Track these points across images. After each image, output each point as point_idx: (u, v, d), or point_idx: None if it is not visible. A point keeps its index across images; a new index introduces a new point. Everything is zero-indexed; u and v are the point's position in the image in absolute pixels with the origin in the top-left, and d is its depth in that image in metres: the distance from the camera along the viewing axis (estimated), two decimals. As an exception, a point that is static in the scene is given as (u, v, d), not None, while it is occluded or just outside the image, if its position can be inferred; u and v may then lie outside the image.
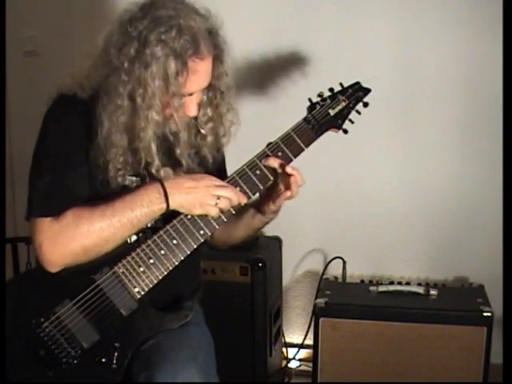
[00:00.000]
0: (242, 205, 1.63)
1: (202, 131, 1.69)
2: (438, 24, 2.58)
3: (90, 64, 1.62)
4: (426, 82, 2.63)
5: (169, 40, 1.50)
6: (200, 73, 1.56)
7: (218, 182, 1.60)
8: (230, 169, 1.81)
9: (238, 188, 1.62)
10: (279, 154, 1.65)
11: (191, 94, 1.59)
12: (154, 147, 1.58)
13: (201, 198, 1.56)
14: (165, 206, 1.55)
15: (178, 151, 1.65)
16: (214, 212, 1.58)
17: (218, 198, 1.57)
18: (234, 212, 1.62)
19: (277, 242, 2.74)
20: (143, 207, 1.55)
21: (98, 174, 1.60)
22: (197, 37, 1.53)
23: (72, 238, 1.53)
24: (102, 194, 1.61)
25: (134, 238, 1.65)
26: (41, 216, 1.56)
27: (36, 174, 1.60)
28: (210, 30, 1.57)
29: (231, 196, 1.59)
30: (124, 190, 1.60)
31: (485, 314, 2.29)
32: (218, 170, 1.77)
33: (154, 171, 1.60)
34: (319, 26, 2.66)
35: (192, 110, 1.61)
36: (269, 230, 2.74)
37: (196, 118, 1.67)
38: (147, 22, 1.52)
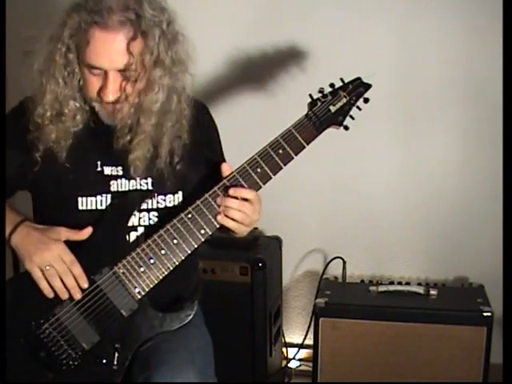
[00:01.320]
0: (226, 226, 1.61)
1: (142, 120, 1.59)
2: (439, 22, 2.58)
3: None
4: (427, 81, 2.63)
5: (80, 7, 1.51)
6: (103, 45, 1.49)
7: (64, 254, 1.55)
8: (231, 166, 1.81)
9: (238, 185, 1.61)
10: (280, 151, 1.63)
11: (98, 69, 1.52)
12: (70, 123, 1.59)
13: (32, 256, 1.54)
14: (6, 238, 1.58)
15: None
16: (35, 274, 1.54)
17: (49, 266, 1.53)
18: None
19: (277, 241, 2.74)
20: (7, 220, 1.59)
21: (77, 163, 1.61)
22: (109, 6, 1.48)
23: None
24: (85, 183, 1.63)
25: (134, 237, 1.66)
26: None
27: None
28: (128, 5, 1.49)
29: (61, 273, 1.54)
30: (108, 181, 1.63)
31: (485, 314, 2.29)
32: (209, 150, 1.76)
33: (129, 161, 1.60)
34: (319, 21, 2.65)
35: (106, 93, 1.53)
36: (269, 230, 2.74)
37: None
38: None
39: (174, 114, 1.62)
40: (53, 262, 1.53)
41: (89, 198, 1.64)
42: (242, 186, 1.62)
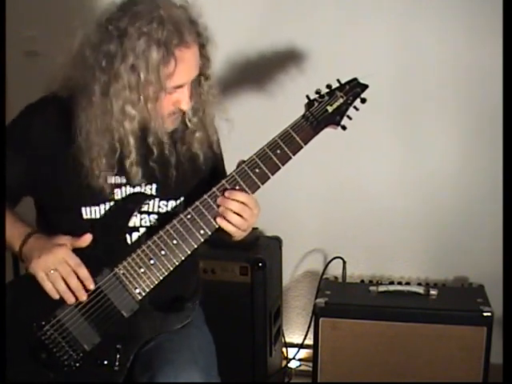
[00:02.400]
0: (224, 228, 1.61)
1: (190, 125, 1.67)
2: (439, 22, 2.58)
3: (64, 67, 1.63)
4: (427, 80, 2.63)
5: (151, 31, 1.48)
6: (187, 62, 1.54)
7: (68, 257, 1.54)
8: (228, 167, 1.81)
9: (237, 186, 1.61)
10: (278, 151, 1.64)
11: (181, 87, 1.57)
12: (132, 140, 1.56)
13: (37, 261, 1.52)
14: (17, 251, 1.56)
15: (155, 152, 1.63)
16: (40, 277, 1.52)
17: (54, 270, 1.52)
18: None
19: (277, 242, 2.74)
20: (8, 235, 1.58)
21: (81, 175, 1.59)
22: (179, 26, 1.51)
23: None
24: (84, 191, 1.61)
25: (134, 238, 1.66)
26: None
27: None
28: (191, 19, 1.56)
29: (64, 275, 1.53)
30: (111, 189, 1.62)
31: (485, 314, 2.29)
32: (213, 169, 1.77)
33: (127, 165, 1.58)
34: (317, 22, 2.65)
35: (185, 103, 1.58)
36: (269, 230, 2.74)
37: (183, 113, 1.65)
38: (127, 18, 1.50)
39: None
40: (57, 266, 1.52)
41: (93, 208, 1.64)
42: (241, 187, 1.62)
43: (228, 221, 1.60)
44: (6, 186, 1.61)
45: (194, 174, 1.73)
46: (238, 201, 1.60)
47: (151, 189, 1.68)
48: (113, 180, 1.64)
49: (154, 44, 1.48)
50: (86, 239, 1.57)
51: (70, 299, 1.54)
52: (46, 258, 1.52)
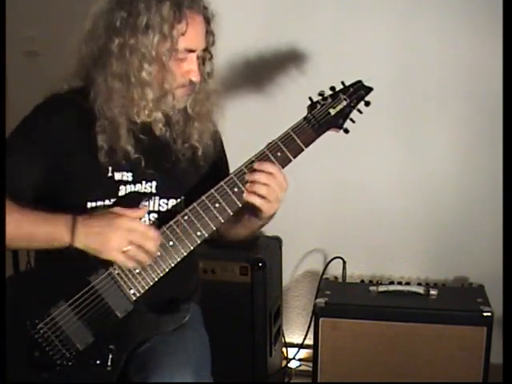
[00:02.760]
0: (253, 202, 1.60)
1: (191, 112, 1.67)
2: (439, 22, 2.58)
3: (78, 51, 1.63)
4: (427, 81, 2.63)
5: None
6: (197, 26, 1.57)
7: (134, 223, 1.54)
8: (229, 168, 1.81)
9: (235, 188, 1.60)
10: (278, 153, 1.63)
11: (192, 52, 1.58)
12: (150, 93, 1.56)
13: (107, 242, 1.51)
14: (67, 242, 1.52)
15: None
16: (119, 259, 1.52)
17: (131, 244, 1.52)
18: (231, 213, 1.61)
19: (277, 242, 2.74)
20: (46, 228, 1.53)
21: (93, 167, 1.60)
22: None
23: None
24: (94, 190, 1.61)
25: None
26: None
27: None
28: None
29: (146, 245, 1.52)
30: (117, 186, 1.61)
31: (485, 314, 2.29)
32: (214, 167, 1.77)
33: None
34: (318, 23, 2.65)
35: (194, 74, 1.59)
36: (269, 230, 2.74)
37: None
38: None
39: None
40: (130, 238, 1.51)
41: (98, 202, 1.63)
42: (240, 189, 1.61)
43: (255, 192, 1.59)
44: (18, 189, 1.58)
45: (195, 171, 1.73)
46: (265, 172, 1.59)
47: (151, 186, 1.68)
48: (119, 176, 1.64)
49: (166, 2, 1.52)
50: (144, 211, 1.59)
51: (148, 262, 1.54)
52: (114, 237, 1.50)
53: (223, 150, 1.85)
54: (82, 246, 1.52)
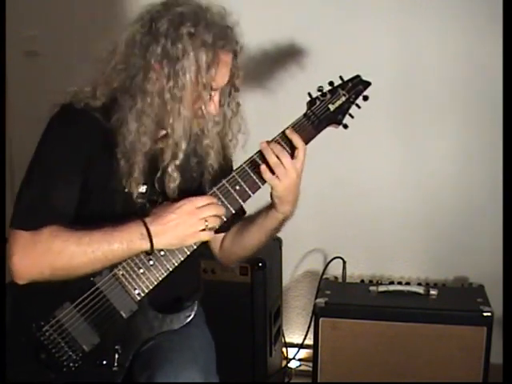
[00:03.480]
0: (262, 175, 1.59)
1: (206, 134, 1.65)
2: (439, 22, 2.58)
3: (105, 70, 1.59)
4: (427, 80, 2.63)
5: (199, 33, 1.50)
6: (227, 66, 1.57)
7: (199, 201, 1.56)
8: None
9: (237, 186, 1.60)
10: None
11: (215, 89, 1.57)
12: (184, 144, 1.56)
13: (188, 228, 1.53)
14: (148, 246, 1.52)
15: (204, 151, 1.64)
16: (206, 237, 1.56)
17: (206, 220, 1.54)
18: (234, 211, 1.61)
19: (277, 242, 2.74)
20: (122, 244, 1.52)
21: (117, 182, 1.58)
22: (224, 30, 1.54)
23: (41, 255, 1.52)
24: (109, 203, 1.60)
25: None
26: (19, 228, 1.54)
27: (26, 184, 1.59)
28: (230, 25, 1.59)
29: (217, 212, 1.56)
30: (132, 201, 1.59)
31: (485, 314, 2.29)
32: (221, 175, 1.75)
33: (171, 168, 1.57)
34: (318, 20, 2.65)
35: (213, 108, 1.59)
36: (269, 230, 2.74)
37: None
38: (172, 17, 1.51)
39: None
40: (201, 215, 1.53)
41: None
42: (242, 187, 1.61)
43: (267, 163, 1.58)
44: (64, 215, 1.56)
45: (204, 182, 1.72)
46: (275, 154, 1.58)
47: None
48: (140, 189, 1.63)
49: (202, 45, 1.50)
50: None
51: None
52: (189, 223, 1.53)
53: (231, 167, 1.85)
54: (163, 246, 1.54)
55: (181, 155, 1.57)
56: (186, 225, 1.53)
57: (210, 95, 1.56)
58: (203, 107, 1.56)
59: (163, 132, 1.61)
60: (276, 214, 1.69)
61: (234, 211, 1.62)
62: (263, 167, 1.59)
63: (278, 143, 1.61)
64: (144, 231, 1.52)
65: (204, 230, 1.55)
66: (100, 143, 1.58)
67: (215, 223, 1.57)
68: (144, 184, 1.62)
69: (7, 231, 1.59)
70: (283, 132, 1.62)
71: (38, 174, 1.58)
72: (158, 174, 1.61)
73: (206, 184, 1.69)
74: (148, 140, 1.56)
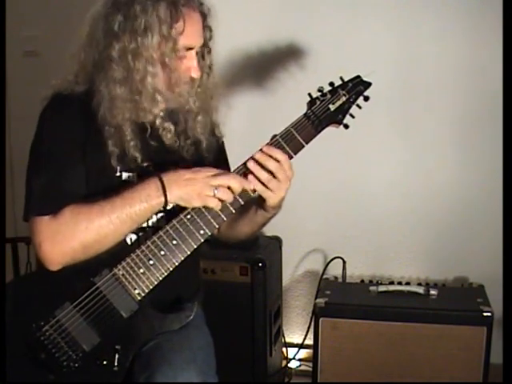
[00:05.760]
0: (252, 193, 1.59)
1: (192, 106, 1.67)
2: (439, 21, 2.58)
3: (79, 55, 1.63)
4: (427, 80, 2.64)
5: None
6: (195, 23, 1.58)
7: (217, 171, 1.58)
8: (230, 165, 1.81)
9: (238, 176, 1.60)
10: None
11: (190, 49, 1.59)
12: (160, 98, 1.58)
13: (198, 189, 1.54)
14: (163, 199, 1.54)
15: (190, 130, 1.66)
16: (213, 203, 1.55)
17: (217, 189, 1.55)
18: (233, 211, 1.61)
19: (277, 242, 2.74)
20: (142, 202, 1.53)
21: (102, 166, 1.60)
22: None
23: (71, 236, 1.53)
24: (102, 188, 1.60)
25: (134, 238, 1.66)
26: (38, 215, 1.55)
27: (32, 173, 1.61)
28: None
29: (231, 183, 1.56)
30: (123, 186, 1.59)
31: (485, 314, 2.29)
32: (215, 159, 1.76)
33: (157, 123, 1.60)
34: (318, 19, 2.66)
35: (194, 70, 1.61)
36: (269, 230, 2.74)
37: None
38: None
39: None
40: (213, 182, 1.54)
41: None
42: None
43: (259, 179, 1.59)
44: (75, 195, 1.57)
45: (200, 166, 1.71)
46: (274, 158, 1.59)
47: None
48: (126, 176, 1.65)
49: (162, 2, 1.53)
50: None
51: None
52: (201, 184, 1.54)
53: (224, 147, 1.86)
54: (174, 199, 1.54)
55: (161, 106, 1.59)
56: (195, 185, 1.54)
57: (183, 55, 1.58)
58: (175, 75, 1.58)
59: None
60: (266, 213, 1.71)
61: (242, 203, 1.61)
62: (254, 181, 1.59)
63: (268, 156, 1.60)
64: (159, 184, 1.53)
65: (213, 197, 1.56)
66: (90, 127, 1.60)
67: (225, 196, 1.55)
68: (135, 171, 1.64)
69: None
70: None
71: (43, 161, 1.60)
72: (148, 134, 1.63)
73: (203, 154, 1.72)
74: (125, 108, 1.57)
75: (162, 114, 1.62)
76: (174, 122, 1.67)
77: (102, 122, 1.59)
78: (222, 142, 1.84)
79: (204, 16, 1.63)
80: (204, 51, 1.67)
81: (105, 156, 1.60)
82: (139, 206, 1.54)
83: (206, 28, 1.65)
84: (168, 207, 1.58)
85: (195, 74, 1.62)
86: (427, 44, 2.60)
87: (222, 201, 1.56)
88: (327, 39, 2.64)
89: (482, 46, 2.54)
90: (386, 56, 2.63)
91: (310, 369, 2.52)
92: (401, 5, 2.60)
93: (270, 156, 1.59)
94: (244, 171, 1.61)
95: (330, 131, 1.72)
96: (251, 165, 1.59)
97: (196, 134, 1.71)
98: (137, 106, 1.60)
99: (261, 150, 1.60)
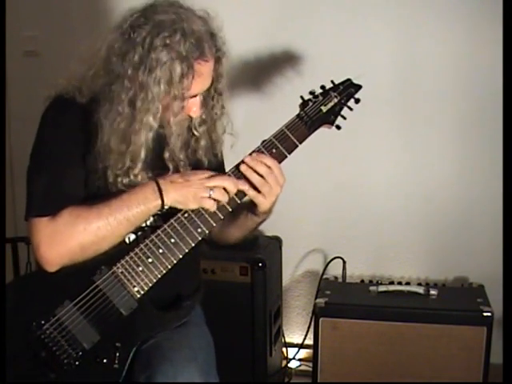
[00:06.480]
0: (246, 192, 1.62)
1: (196, 133, 1.71)
2: (438, 23, 2.58)
3: (88, 72, 1.62)
4: (427, 81, 2.63)
5: (174, 44, 1.52)
6: (204, 75, 1.59)
7: (211, 173, 1.61)
8: (227, 166, 1.81)
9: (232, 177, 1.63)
10: (274, 150, 1.66)
11: (194, 96, 1.60)
12: (142, 153, 1.59)
13: (194, 191, 1.57)
14: (160, 202, 1.56)
15: (166, 155, 1.66)
16: (208, 204, 1.58)
17: (212, 190, 1.57)
18: (230, 209, 1.63)
19: (277, 242, 2.74)
20: (139, 205, 1.55)
21: (95, 180, 1.61)
22: (201, 40, 1.55)
23: (69, 237, 1.54)
24: (100, 192, 1.61)
25: (133, 237, 1.66)
26: (38, 216, 1.56)
27: (33, 174, 1.61)
28: (212, 32, 1.60)
29: (226, 184, 1.59)
30: (120, 190, 1.60)
31: (485, 314, 2.29)
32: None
33: (131, 176, 1.60)
34: (315, 24, 2.66)
35: (195, 111, 1.63)
36: (269, 230, 2.75)
37: (190, 120, 1.68)
38: (150, 27, 1.53)
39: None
40: (209, 184, 1.57)
41: None
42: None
43: (250, 183, 1.62)
44: (76, 197, 1.59)
45: None
46: (264, 164, 1.62)
47: None
48: (126, 181, 1.63)
49: (176, 57, 1.52)
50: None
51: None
52: (197, 186, 1.57)
53: (223, 161, 1.88)
54: (171, 202, 1.57)
55: (138, 164, 1.59)
56: (191, 187, 1.57)
57: (184, 103, 1.58)
58: (172, 118, 1.59)
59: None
60: (256, 218, 1.74)
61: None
62: (246, 187, 1.62)
63: (258, 161, 1.63)
64: (155, 187, 1.56)
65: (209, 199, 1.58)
66: (90, 130, 1.59)
67: (221, 196, 1.59)
68: None
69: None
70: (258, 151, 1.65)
71: (44, 162, 1.61)
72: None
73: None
74: (119, 146, 1.57)
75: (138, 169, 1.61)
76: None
77: (97, 149, 1.59)
78: (222, 156, 1.86)
79: (218, 59, 1.63)
80: (214, 94, 1.69)
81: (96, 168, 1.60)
82: (136, 208, 1.56)
83: (217, 72, 1.65)
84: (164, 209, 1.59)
85: (194, 114, 1.64)
86: (427, 44, 2.60)
87: (217, 201, 1.59)
88: (324, 45, 2.64)
89: (482, 46, 2.54)
90: (386, 56, 2.63)
91: (310, 369, 2.52)
92: (400, 9, 2.60)
93: (260, 161, 1.62)
94: (236, 174, 1.63)
95: (330, 131, 1.74)
96: (243, 168, 1.62)
97: (198, 155, 1.73)
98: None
99: (250, 154, 1.64)
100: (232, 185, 1.60)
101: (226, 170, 1.71)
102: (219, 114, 1.72)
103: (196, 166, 1.73)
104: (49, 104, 1.64)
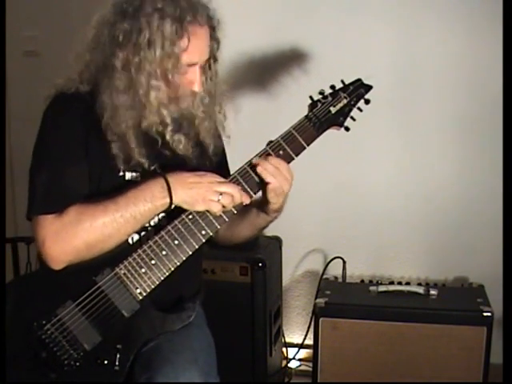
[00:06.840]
0: (245, 204, 1.62)
1: (195, 112, 1.67)
2: (439, 23, 2.58)
3: (85, 55, 1.62)
4: (427, 81, 2.64)
5: (165, 7, 1.52)
6: (200, 39, 1.57)
7: (221, 179, 1.61)
8: (232, 167, 1.81)
9: (239, 187, 1.62)
10: (280, 152, 1.64)
11: (193, 65, 1.59)
12: (164, 111, 1.58)
13: (203, 193, 1.56)
14: (168, 200, 1.55)
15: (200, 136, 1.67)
16: (216, 208, 1.57)
17: (221, 195, 1.57)
18: (235, 212, 1.62)
19: (277, 242, 2.74)
20: (146, 202, 1.54)
21: (106, 165, 1.60)
22: (192, 4, 1.55)
23: (75, 234, 1.53)
24: (105, 188, 1.61)
25: (136, 238, 1.65)
26: (43, 213, 1.55)
27: (36, 171, 1.60)
28: (202, 2, 1.59)
29: (234, 193, 1.58)
30: (127, 186, 1.59)
31: (485, 314, 2.29)
32: (218, 164, 1.77)
33: (168, 136, 1.60)
34: (320, 23, 2.66)
35: (196, 85, 1.61)
36: (269, 230, 2.73)
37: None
38: None
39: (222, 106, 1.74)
40: (216, 188, 1.57)
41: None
42: (243, 187, 1.62)
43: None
44: (79, 195, 1.58)
45: (203, 166, 1.72)
46: (272, 164, 1.62)
47: None
48: (129, 176, 1.65)
49: (168, 18, 1.51)
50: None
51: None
52: (205, 188, 1.56)
53: (224, 150, 1.86)
54: (179, 201, 1.56)
55: (168, 120, 1.59)
56: (201, 189, 1.56)
57: (183, 72, 1.57)
58: (182, 86, 1.58)
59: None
60: (267, 217, 1.74)
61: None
62: (248, 201, 1.62)
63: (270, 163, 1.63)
64: (164, 184, 1.55)
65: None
66: (93, 126, 1.59)
67: (228, 202, 1.58)
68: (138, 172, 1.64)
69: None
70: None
71: (47, 160, 1.60)
72: (159, 145, 1.63)
73: (208, 155, 1.72)
74: (128, 116, 1.57)
75: (170, 127, 1.61)
76: (181, 129, 1.66)
77: (105, 127, 1.59)
78: (224, 153, 1.85)
79: (212, 28, 1.62)
80: (210, 61, 1.67)
81: (108, 155, 1.60)
82: (143, 205, 1.54)
83: (214, 40, 1.64)
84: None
85: (197, 88, 1.62)
86: (427, 44, 2.60)
87: (223, 207, 1.58)
88: (330, 43, 2.65)
89: (482, 46, 2.54)
90: (387, 57, 2.64)
91: (310, 369, 2.52)
92: (402, 8, 2.60)
93: (268, 162, 1.62)
94: (243, 176, 1.63)
95: (331, 131, 1.73)
96: (260, 169, 1.61)
97: (203, 138, 1.71)
98: (141, 115, 1.59)
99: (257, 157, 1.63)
100: (239, 195, 1.59)
101: (231, 172, 1.69)
102: (215, 81, 1.69)
103: (202, 150, 1.71)
104: (49, 102, 1.63)
